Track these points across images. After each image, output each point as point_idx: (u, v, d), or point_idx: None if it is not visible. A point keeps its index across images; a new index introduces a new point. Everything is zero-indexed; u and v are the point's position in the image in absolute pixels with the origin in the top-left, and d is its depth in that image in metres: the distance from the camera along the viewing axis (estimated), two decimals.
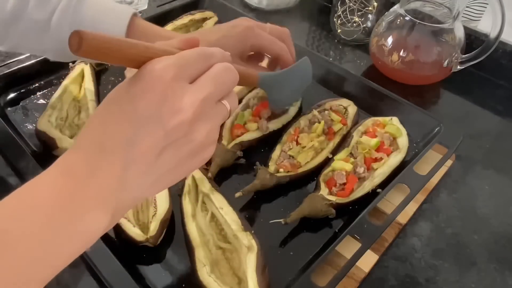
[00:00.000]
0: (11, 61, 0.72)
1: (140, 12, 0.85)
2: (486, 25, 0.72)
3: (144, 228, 0.50)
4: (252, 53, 0.61)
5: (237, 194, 0.53)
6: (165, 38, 0.54)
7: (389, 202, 0.55)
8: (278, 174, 0.56)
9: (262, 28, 0.58)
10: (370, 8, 0.83)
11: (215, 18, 0.84)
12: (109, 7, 0.55)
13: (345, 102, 0.66)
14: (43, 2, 0.52)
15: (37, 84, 0.71)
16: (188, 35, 0.58)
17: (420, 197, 0.57)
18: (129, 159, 0.29)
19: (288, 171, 0.57)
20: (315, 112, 0.63)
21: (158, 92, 0.30)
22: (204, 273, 0.45)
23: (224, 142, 0.60)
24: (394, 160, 0.57)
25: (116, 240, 0.50)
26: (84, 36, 0.27)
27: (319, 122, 0.61)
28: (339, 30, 0.87)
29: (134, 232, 0.48)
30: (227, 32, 0.56)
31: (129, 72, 0.71)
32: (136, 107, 0.30)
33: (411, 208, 0.56)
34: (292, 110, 0.66)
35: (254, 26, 0.57)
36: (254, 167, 0.57)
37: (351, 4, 0.83)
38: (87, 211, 0.29)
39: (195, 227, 0.49)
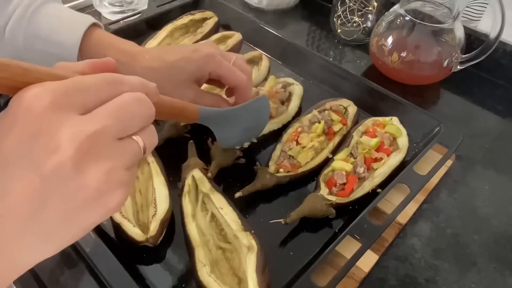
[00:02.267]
0: None
1: (140, 12, 0.85)
2: (486, 25, 0.72)
3: (144, 228, 0.50)
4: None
5: (237, 194, 0.53)
6: (118, 53, 0.52)
7: (389, 202, 0.55)
8: (278, 174, 0.56)
9: (226, 58, 0.55)
10: (370, 8, 0.83)
11: (215, 18, 0.84)
12: (67, 17, 0.53)
13: (345, 102, 0.66)
14: None
15: None
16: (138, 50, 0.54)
17: (420, 197, 0.57)
18: (1, 211, 0.24)
19: (288, 171, 0.57)
20: (315, 112, 0.63)
21: (27, 127, 0.23)
22: (204, 273, 0.45)
23: None
24: (394, 160, 0.57)
25: (116, 240, 0.50)
26: None
27: (319, 122, 0.61)
28: (339, 30, 0.87)
29: (134, 232, 0.48)
30: (188, 55, 0.53)
31: None
32: (2, 146, 0.24)
33: (411, 208, 0.56)
34: (292, 110, 0.66)
35: (216, 53, 0.53)
36: (254, 167, 0.57)
37: (351, 4, 0.83)
38: None
39: (195, 227, 0.49)
